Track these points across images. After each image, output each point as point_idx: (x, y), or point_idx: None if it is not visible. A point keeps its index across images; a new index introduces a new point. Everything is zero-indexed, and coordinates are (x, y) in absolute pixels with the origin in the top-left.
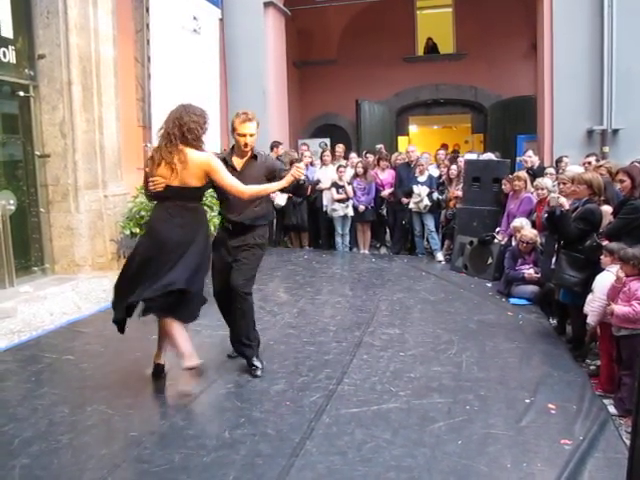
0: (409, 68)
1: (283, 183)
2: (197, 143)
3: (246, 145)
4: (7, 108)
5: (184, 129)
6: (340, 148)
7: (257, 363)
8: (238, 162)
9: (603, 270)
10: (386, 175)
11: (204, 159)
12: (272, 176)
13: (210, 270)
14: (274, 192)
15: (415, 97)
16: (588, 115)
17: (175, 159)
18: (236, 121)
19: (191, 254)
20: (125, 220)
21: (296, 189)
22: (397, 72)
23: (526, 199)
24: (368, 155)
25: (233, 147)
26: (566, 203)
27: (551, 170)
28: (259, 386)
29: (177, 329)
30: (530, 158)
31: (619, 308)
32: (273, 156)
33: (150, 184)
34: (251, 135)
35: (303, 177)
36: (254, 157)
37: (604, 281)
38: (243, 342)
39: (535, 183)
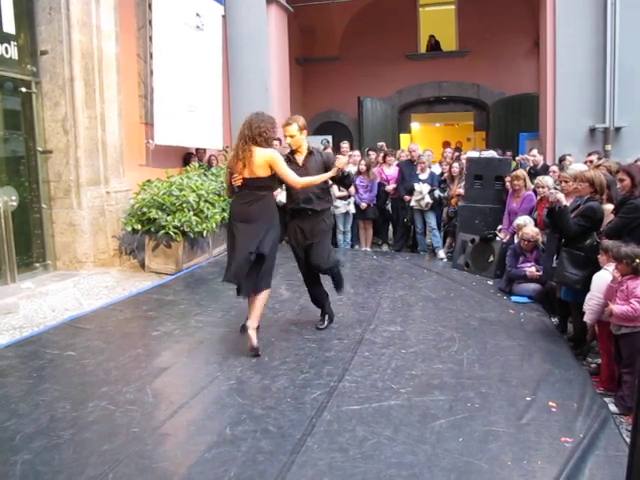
0: (411, 65)
1: (330, 174)
2: (265, 144)
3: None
4: (9, 104)
5: (255, 132)
6: (345, 145)
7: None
8: (299, 159)
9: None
10: (392, 171)
11: (268, 152)
12: (328, 168)
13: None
14: (323, 181)
15: (417, 94)
16: (591, 113)
17: (246, 155)
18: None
19: (272, 231)
20: (127, 217)
21: (342, 179)
22: (399, 69)
23: (527, 197)
24: (370, 152)
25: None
26: (563, 199)
27: (555, 168)
28: (260, 383)
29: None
30: (534, 157)
31: (618, 307)
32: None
33: (233, 180)
34: (291, 136)
35: (347, 169)
36: (310, 153)
37: (601, 279)
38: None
39: (535, 181)
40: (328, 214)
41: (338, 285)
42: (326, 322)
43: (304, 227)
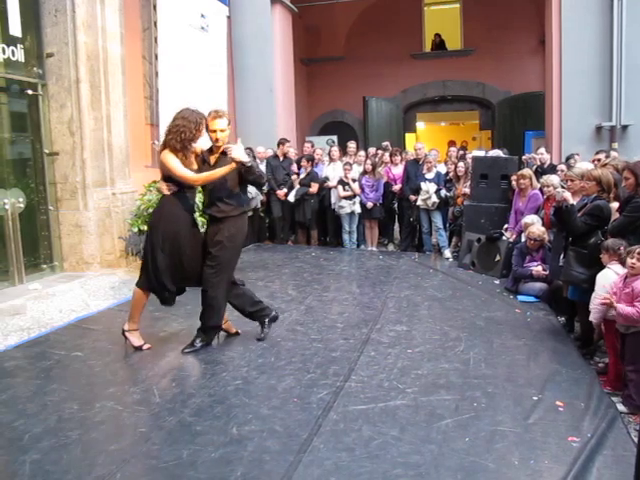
0: (416, 65)
1: (226, 169)
2: (177, 145)
3: (217, 140)
4: (16, 106)
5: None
6: (353, 144)
7: None
8: (212, 158)
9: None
10: (399, 170)
11: (162, 154)
12: (246, 171)
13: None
14: (221, 176)
15: (422, 94)
16: (597, 111)
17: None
18: (208, 119)
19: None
20: (133, 218)
21: (247, 174)
22: (404, 69)
23: (533, 196)
24: (380, 152)
25: (211, 146)
26: (570, 198)
27: (563, 167)
28: (267, 383)
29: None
30: (541, 155)
31: (622, 307)
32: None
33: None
34: (221, 130)
35: (243, 159)
36: (224, 153)
37: (605, 278)
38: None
39: (541, 180)
40: (233, 223)
41: (205, 324)
42: (265, 330)
43: (209, 232)
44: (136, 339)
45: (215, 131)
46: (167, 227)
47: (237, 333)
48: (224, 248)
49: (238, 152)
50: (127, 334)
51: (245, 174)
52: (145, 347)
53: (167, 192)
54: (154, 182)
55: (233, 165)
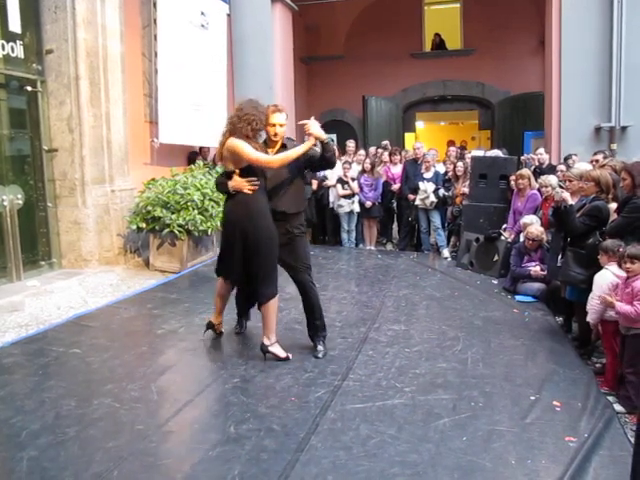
0: (416, 64)
1: (308, 144)
2: (249, 133)
3: (276, 135)
4: (15, 103)
5: (233, 121)
6: (352, 144)
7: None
8: (270, 152)
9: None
10: (398, 169)
11: (229, 141)
12: (305, 160)
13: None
14: (301, 155)
15: (422, 93)
16: (596, 112)
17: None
18: (267, 112)
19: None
20: (132, 215)
21: (324, 150)
22: (404, 68)
23: (532, 196)
24: (380, 151)
25: (265, 140)
26: (569, 198)
27: (562, 167)
28: (265, 381)
29: None
30: (540, 156)
31: (621, 306)
32: None
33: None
34: (280, 125)
35: (322, 135)
36: (283, 146)
37: (603, 279)
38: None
39: (539, 181)
40: (299, 219)
41: (313, 306)
42: (244, 327)
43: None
44: (280, 350)
45: (275, 125)
46: (257, 232)
47: (221, 333)
48: (302, 245)
49: (315, 128)
50: (270, 348)
51: (322, 151)
52: (290, 356)
53: (249, 191)
54: (153, 180)
55: (312, 142)
